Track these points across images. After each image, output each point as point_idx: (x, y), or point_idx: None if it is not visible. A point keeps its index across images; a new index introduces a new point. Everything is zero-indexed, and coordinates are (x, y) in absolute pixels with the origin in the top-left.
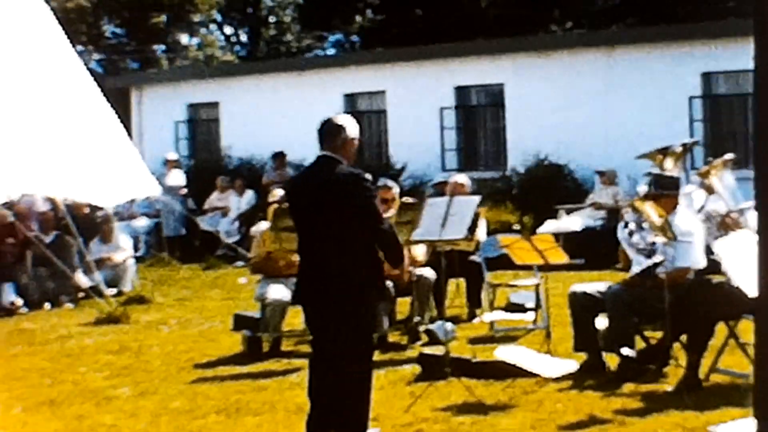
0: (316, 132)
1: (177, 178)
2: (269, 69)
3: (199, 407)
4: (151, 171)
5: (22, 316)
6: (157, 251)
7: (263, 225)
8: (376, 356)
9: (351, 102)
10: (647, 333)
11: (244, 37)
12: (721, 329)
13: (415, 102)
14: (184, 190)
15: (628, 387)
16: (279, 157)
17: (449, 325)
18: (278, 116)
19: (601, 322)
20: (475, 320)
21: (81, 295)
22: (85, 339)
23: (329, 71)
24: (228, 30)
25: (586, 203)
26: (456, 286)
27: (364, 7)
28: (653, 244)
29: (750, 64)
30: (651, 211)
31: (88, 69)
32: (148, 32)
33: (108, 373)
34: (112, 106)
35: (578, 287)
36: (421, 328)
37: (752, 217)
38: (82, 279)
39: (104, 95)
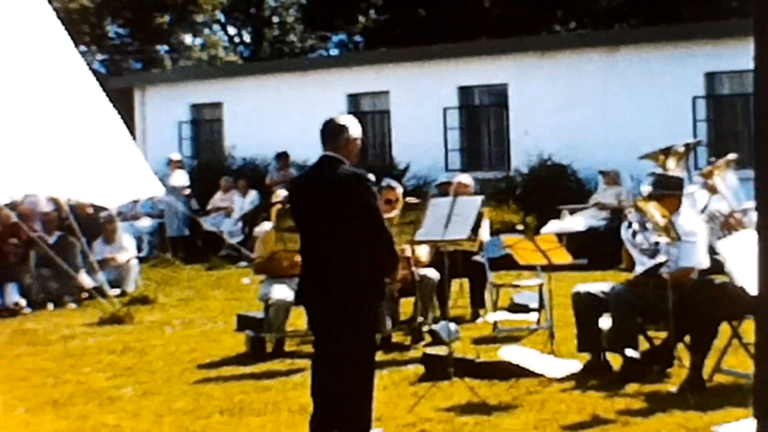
0: (319, 132)
1: (180, 178)
2: (272, 69)
3: (203, 407)
4: (155, 171)
5: (26, 316)
6: (160, 251)
7: (266, 225)
8: (380, 356)
9: (354, 102)
10: (651, 333)
11: (247, 38)
12: (724, 329)
13: (419, 102)
14: (188, 191)
15: (631, 387)
16: (282, 157)
17: (452, 326)
18: (281, 116)
19: (605, 322)
20: (479, 320)
21: (84, 295)
22: (88, 339)
23: (332, 71)
24: (231, 30)
25: (590, 203)
26: (459, 287)
27: (368, 8)
28: (657, 244)
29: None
30: (654, 211)
31: (91, 69)
32: (152, 32)
33: (111, 374)
34: (115, 106)
35: (582, 287)
36: (425, 328)
37: (755, 217)
38: (85, 279)
39: (107, 95)
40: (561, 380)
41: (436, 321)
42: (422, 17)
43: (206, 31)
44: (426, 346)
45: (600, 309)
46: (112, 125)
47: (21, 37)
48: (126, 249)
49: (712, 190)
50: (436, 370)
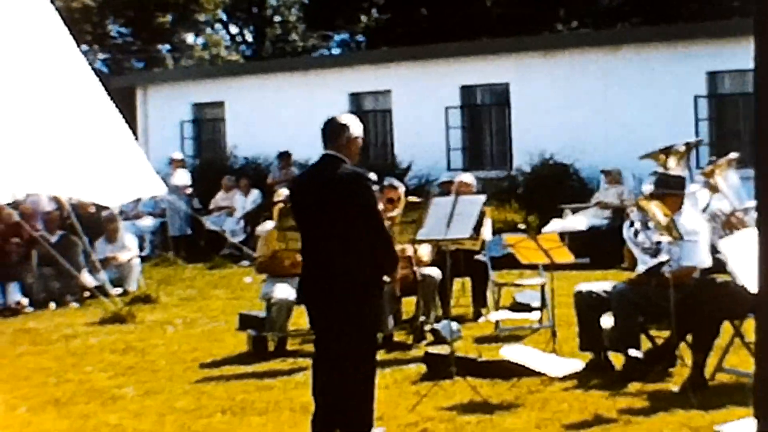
0: (320, 131)
1: (182, 177)
2: (274, 68)
3: (205, 407)
4: (157, 170)
5: (28, 315)
6: (162, 251)
7: (269, 224)
8: (382, 355)
9: (356, 101)
10: (653, 332)
11: (249, 37)
12: (726, 328)
13: (421, 101)
14: (190, 190)
15: (633, 386)
16: (284, 156)
17: (454, 325)
18: (283, 116)
19: (607, 321)
20: (481, 319)
21: (86, 294)
22: (90, 338)
23: (334, 71)
24: (233, 29)
25: (592, 202)
26: (461, 286)
27: (369, 7)
28: (659, 243)
29: None
30: (656, 210)
31: (93, 69)
32: (154, 32)
33: (113, 373)
34: (117, 105)
35: (584, 286)
36: (427, 327)
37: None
38: (87, 278)
39: (109, 95)
40: (563, 379)
41: (438, 320)
42: (424, 16)
43: (208, 30)
44: (428, 345)
45: (602, 308)
46: (114, 124)
47: (23, 36)
48: (128, 248)
49: (713, 189)
50: (438, 369)
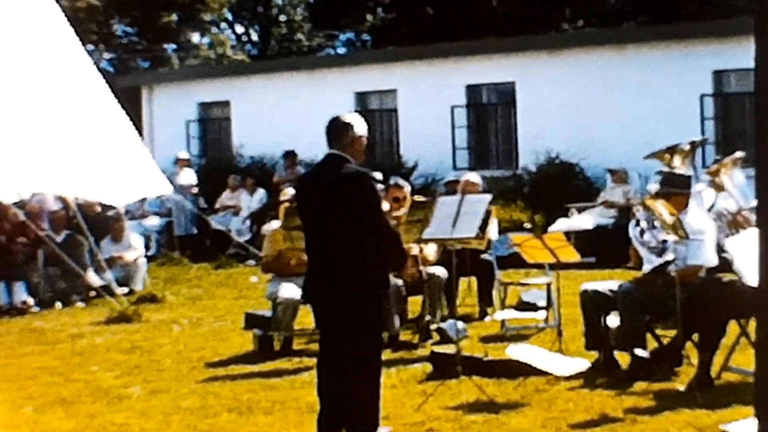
0: (324, 130)
1: (188, 177)
2: (280, 68)
3: (211, 406)
4: (162, 170)
5: (34, 315)
6: (168, 250)
7: (274, 224)
8: (388, 355)
9: (362, 100)
10: (659, 331)
11: (255, 36)
12: (732, 327)
13: (426, 100)
14: (195, 189)
15: (639, 385)
16: (290, 155)
17: (460, 324)
18: (289, 115)
19: (613, 320)
20: (487, 319)
21: (92, 294)
22: (96, 338)
23: (340, 70)
24: (239, 29)
25: (598, 201)
26: (467, 285)
27: (375, 6)
28: (665, 242)
29: None
30: (662, 209)
31: (99, 68)
32: (159, 31)
33: (119, 372)
34: (122, 105)
35: (590, 285)
36: (433, 326)
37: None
38: (93, 278)
39: (115, 94)
40: (569, 378)
41: (444, 319)
42: (430, 15)
43: (214, 29)
44: (434, 344)
45: (608, 307)
46: (120, 124)
47: (28, 36)
48: (134, 248)
49: (718, 188)
50: (444, 368)
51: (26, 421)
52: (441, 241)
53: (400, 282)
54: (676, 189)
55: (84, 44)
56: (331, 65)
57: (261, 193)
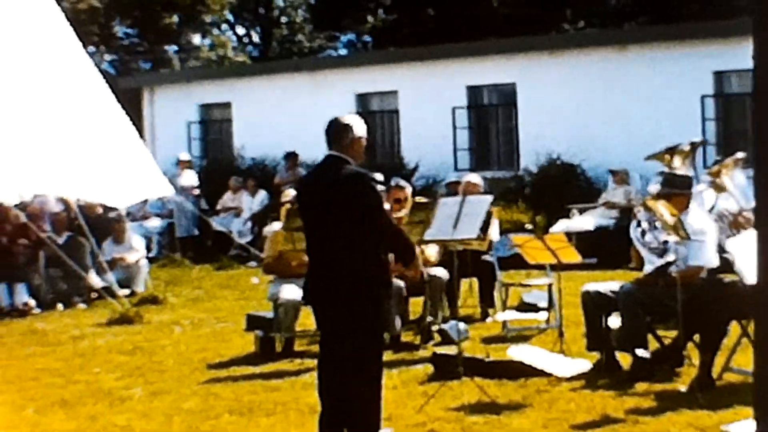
0: (324, 132)
1: (189, 178)
2: (281, 69)
3: (212, 407)
4: (164, 171)
5: (35, 316)
6: (169, 252)
7: (276, 225)
8: (389, 356)
9: (363, 102)
10: (660, 332)
11: (256, 38)
12: (734, 328)
13: (427, 102)
14: (197, 191)
15: (640, 386)
16: (291, 157)
17: (462, 325)
18: (290, 116)
19: (614, 321)
20: (488, 320)
21: (94, 295)
22: (97, 339)
23: (341, 71)
24: (240, 30)
25: (599, 202)
26: (469, 286)
27: (376, 7)
28: (666, 243)
29: None
30: (663, 210)
31: (100, 70)
32: (160, 33)
33: (121, 374)
34: (123, 106)
35: (591, 286)
36: (434, 327)
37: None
38: (94, 279)
39: (116, 96)
40: (570, 379)
41: (445, 320)
42: (431, 17)
43: (215, 31)
44: (435, 345)
45: (609, 308)
46: (121, 125)
47: (29, 37)
48: (135, 249)
49: (720, 188)
50: (446, 369)
51: (27, 422)
52: (442, 242)
53: (401, 283)
54: (676, 190)
55: (85, 46)
56: (332, 66)
57: (262, 194)
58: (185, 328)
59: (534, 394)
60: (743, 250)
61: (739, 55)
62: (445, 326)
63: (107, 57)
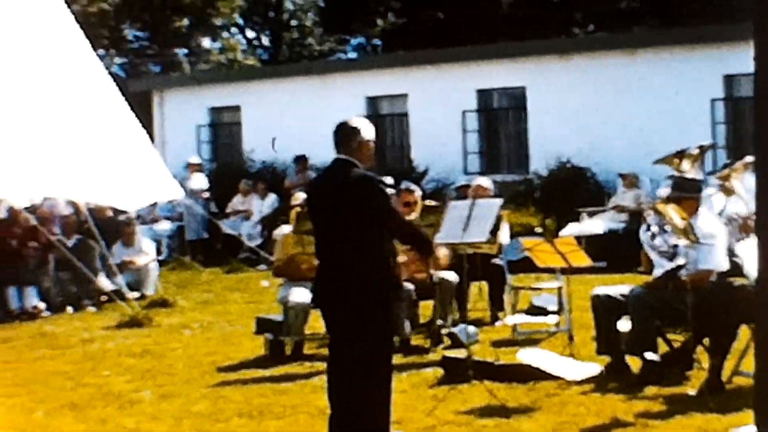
0: (332, 135)
1: (199, 181)
2: (291, 72)
3: (222, 411)
4: (174, 174)
5: (45, 319)
6: (179, 255)
7: (285, 228)
8: (399, 359)
9: (373, 105)
10: (670, 336)
11: (265, 41)
12: (743, 332)
13: (437, 105)
14: (207, 194)
15: (650, 390)
16: (301, 160)
17: (472, 328)
18: (300, 119)
19: (624, 324)
20: (498, 323)
21: (103, 298)
22: (107, 342)
23: (351, 74)
24: (250, 34)
25: (609, 206)
26: (478, 289)
27: (386, 11)
28: (675, 246)
29: None
30: (673, 213)
31: (110, 73)
32: (170, 36)
33: (130, 377)
34: (133, 109)
35: (601, 290)
36: (444, 331)
37: None
38: (104, 282)
39: (126, 99)
40: (580, 383)
41: (455, 324)
42: (440, 20)
43: (225, 34)
44: (445, 349)
45: (619, 312)
46: (131, 129)
47: (39, 40)
48: (145, 252)
49: (729, 192)
50: (456, 373)
51: (37, 425)
52: (452, 245)
53: (411, 286)
54: (686, 193)
55: (95, 49)
56: (341, 70)
57: (272, 197)
58: (195, 331)
59: (543, 398)
60: (753, 253)
61: (749, 58)
62: (454, 329)
63: (117, 60)
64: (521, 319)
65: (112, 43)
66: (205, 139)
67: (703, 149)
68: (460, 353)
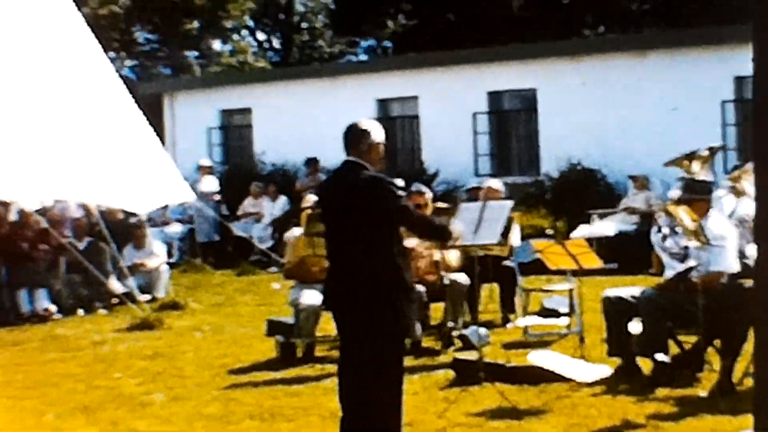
0: (342, 137)
1: (210, 184)
2: (302, 75)
3: (233, 413)
4: (185, 177)
5: (56, 322)
6: (190, 257)
7: (296, 230)
8: (410, 361)
9: (383, 107)
10: (681, 337)
11: (276, 43)
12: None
13: (448, 107)
14: (218, 196)
15: (661, 392)
16: (312, 162)
17: (483, 330)
18: (311, 122)
19: (635, 326)
20: (509, 325)
21: (114, 301)
22: (118, 345)
23: (362, 77)
24: (260, 36)
25: (620, 208)
26: (489, 291)
27: (396, 13)
28: (686, 248)
29: None
30: (684, 215)
31: (121, 75)
32: (181, 38)
33: (142, 379)
34: (144, 112)
35: (612, 292)
36: (455, 333)
37: None
38: (115, 285)
39: (137, 102)
40: (591, 385)
41: (466, 326)
42: (451, 22)
43: (235, 36)
44: (456, 351)
45: (630, 313)
46: (142, 131)
47: (50, 43)
48: (156, 254)
49: (740, 194)
50: (467, 374)
51: (48, 427)
52: (463, 247)
53: (422, 288)
54: (697, 195)
55: (106, 51)
56: (352, 72)
57: (283, 199)
58: (206, 333)
59: (555, 400)
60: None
61: None
62: (465, 331)
63: (128, 63)
64: (532, 321)
65: (122, 45)
66: (216, 141)
67: (713, 151)
68: (471, 355)
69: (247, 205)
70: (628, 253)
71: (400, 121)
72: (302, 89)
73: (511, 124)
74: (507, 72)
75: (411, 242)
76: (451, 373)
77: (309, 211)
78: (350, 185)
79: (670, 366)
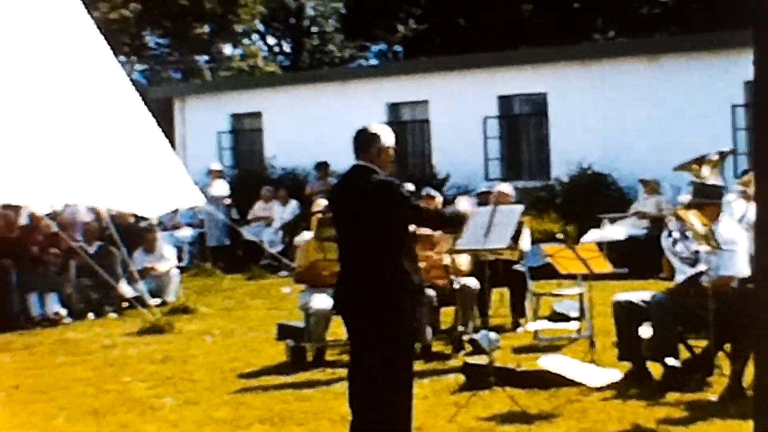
0: (352, 141)
1: (220, 188)
2: (312, 79)
3: (243, 417)
4: (195, 181)
5: (66, 326)
6: (200, 261)
7: (307, 235)
8: (420, 366)
9: (394, 111)
10: (691, 342)
11: (287, 48)
12: None
13: (459, 111)
14: (228, 200)
15: (672, 396)
16: (322, 166)
17: (493, 335)
18: (321, 126)
19: (645, 331)
20: (519, 330)
21: (125, 305)
22: (129, 349)
23: (372, 81)
24: (271, 40)
25: (630, 212)
26: (500, 296)
27: (407, 17)
28: (697, 252)
29: None
30: (694, 219)
31: (131, 80)
32: (191, 43)
33: (152, 383)
34: (154, 116)
35: (622, 296)
36: (465, 337)
37: None
38: (125, 289)
39: (147, 106)
40: (601, 389)
41: (476, 330)
42: (462, 26)
43: (246, 41)
44: (466, 355)
45: (640, 318)
46: (152, 135)
47: (60, 47)
48: (166, 259)
49: (750, 198)
50: (477, 379)
51: (58, 431)
52: (473, 251)
53: (432, 292)
54: (707, 199)
55: (116, 56)
56: (363, 76)
57: (293, 204)
58: (216, 337)
59: (565, 404)
60: None
61: None
62: (476, 336)
63: (138, 67)
64: (542, 325)
65: (133, 50)
66: (227, 145)
67: (723, 155)
68: (481, 359)
69: (258, 209)
70: (638, 257)
71: (410, 126)
72: (313, 93)
73: (522, 129)
74: (517, 76)
75: (425, 230)
76: (461, 378)
77: (319, 215)
78: (360, 189)
79: (680, 370)
